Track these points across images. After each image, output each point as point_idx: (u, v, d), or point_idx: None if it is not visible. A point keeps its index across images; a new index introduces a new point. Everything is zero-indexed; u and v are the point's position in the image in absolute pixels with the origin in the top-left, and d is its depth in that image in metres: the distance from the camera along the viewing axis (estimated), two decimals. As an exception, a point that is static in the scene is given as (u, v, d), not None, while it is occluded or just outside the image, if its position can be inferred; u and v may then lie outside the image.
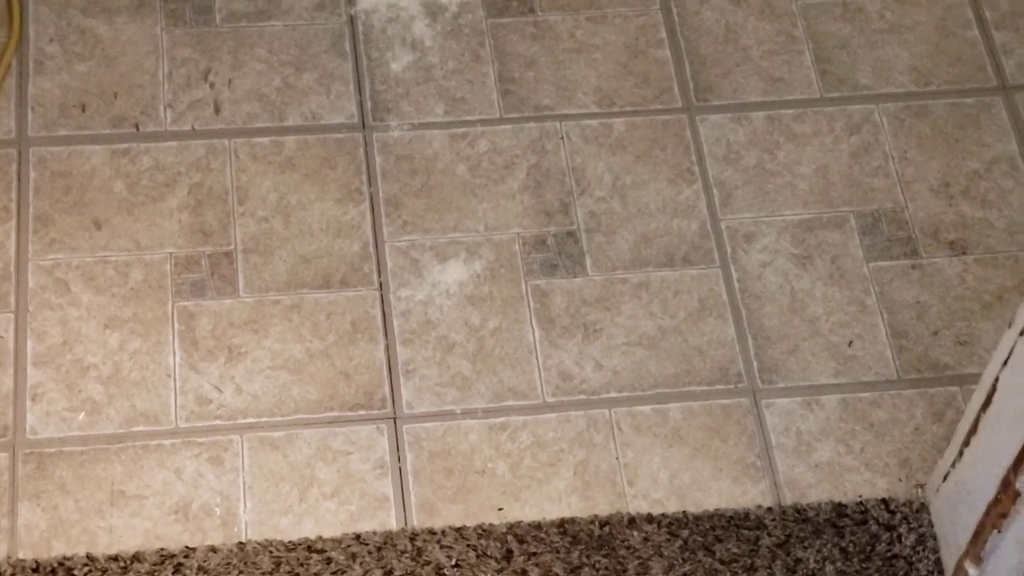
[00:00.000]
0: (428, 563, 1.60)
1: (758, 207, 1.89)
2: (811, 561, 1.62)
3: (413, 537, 1.62)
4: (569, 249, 1.84)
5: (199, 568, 1.58)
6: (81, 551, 1.60)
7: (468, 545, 1.61)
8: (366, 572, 1.59)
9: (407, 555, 1.60)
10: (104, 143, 1.87)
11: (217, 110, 1.90)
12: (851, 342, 1.80)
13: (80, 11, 1.96)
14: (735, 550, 1.63)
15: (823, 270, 1.85)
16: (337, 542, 1.62)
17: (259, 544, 1.61)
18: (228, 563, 1.59)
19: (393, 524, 1.64)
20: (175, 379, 1.73)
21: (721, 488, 1.69)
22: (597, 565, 1.61)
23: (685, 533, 1.64)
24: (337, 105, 1.92)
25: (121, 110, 1.89)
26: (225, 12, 1.97)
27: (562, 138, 1.92)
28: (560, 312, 1.80)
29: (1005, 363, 1.37)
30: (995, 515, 1.42)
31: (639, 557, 1.61)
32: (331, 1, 2.00)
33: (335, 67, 1.95)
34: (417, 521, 1.64)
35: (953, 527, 1.57)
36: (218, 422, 1.70)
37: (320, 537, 1.62)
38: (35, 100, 1.89)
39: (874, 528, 1.65)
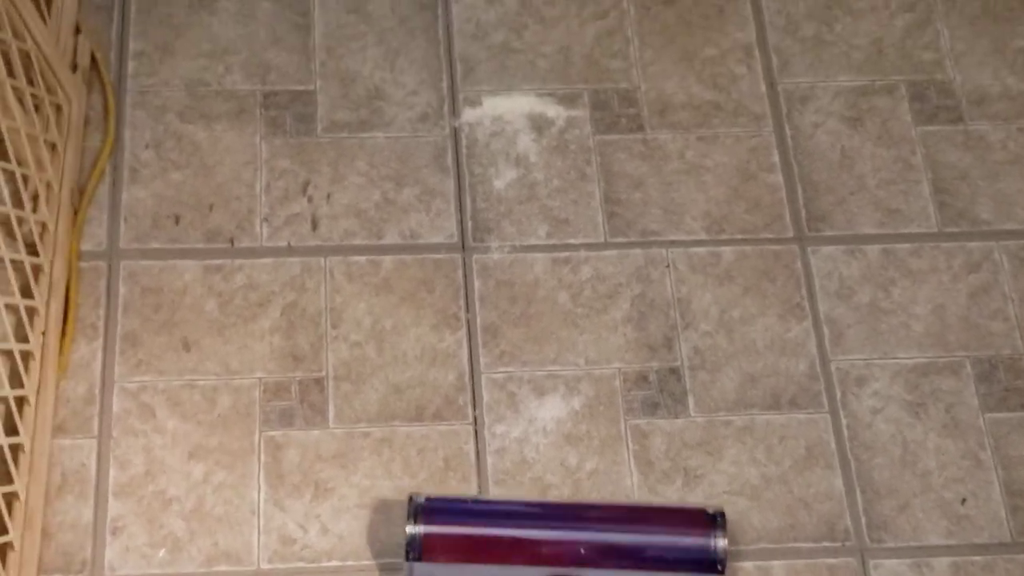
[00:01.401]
0: None
1: (871, 348, 1.81)
2: None
3: None
4: (671, 387, 1.77)
5: None
6: None
7: None
8: None
9: None
10: (197, 258, 1.82)
11: (314, 226, 1.85)
12: (964, 500, 1.71)
13: (178, 116, 1.90)
14: None
15: (937, 419, 1.76)
16: None
17: None
18: None
19: None
20: (259, 516, 1.67)
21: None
22: None
23: None
24: (437, 223, 1.86)
25: (216, 223, 1.84)
26: (327, 122, 1.91)
27: (668, 266, 1.85)
28: (659, 455, 1.73)
29: None
30: None
31: None
32: (434, 112, 1.93)
33: (436, 182, 1.89)
34: None
35: None
36: (301, 564, 1.65)
37: None
38: (128, 210, 1.85)
39: None
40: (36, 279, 1.72)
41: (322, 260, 1.82)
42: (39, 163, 1.75)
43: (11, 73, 1.68)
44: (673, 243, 1.85)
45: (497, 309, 1.80)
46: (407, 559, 1.55)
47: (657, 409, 1.76)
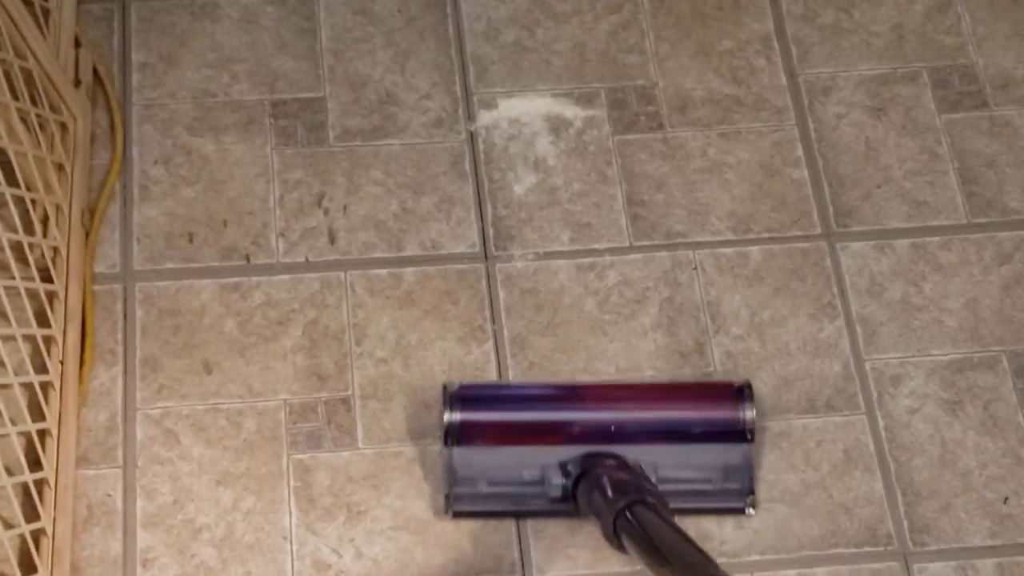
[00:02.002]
0: None
1: (904, 346, 1.78)
2: None
3: None
4: (705, 394, 1.73)
5: None
6: None
7: None
8: None
9: None
10: (214, 276, 1.78)
11: (332, 239, 1.80)
12: (1007, 499, 1.68)
13: (186, 129, 1.86)
14: None
15: (975, 417, 1.73)
16: None
17: None
18: None
19: None
20: (291, 542, 1.64)
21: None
22: None
23: None
24: (458, 232, 1.82)
25: (231, 240, 1.79)
26: (339, 129, 1.87)
27: (695, 268, 1.81)
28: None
29: None
30: None
31: None
32: (449, 116, 1.89)
33: (455, 190, 1.84)
34: None
35: None
36: (339, 591, 1.61)
37: None
38: (140, 229, 1.80)
39: None
40: (51, 306, 1.67)
41: (342, 275, 1.78)
42: (47, 185, 1.70)
43: (14, 94, 1.63)
44: (699, 244, 1.82)
45: (523, 319, 1.77)
46: (445, 444, 1.61)
47: (691, 417, 1.72)
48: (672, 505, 1.47)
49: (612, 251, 1.82)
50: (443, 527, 1.65)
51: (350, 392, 1.71)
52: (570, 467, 1.59)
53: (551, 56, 1.92)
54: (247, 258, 1.78)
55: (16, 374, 1.57)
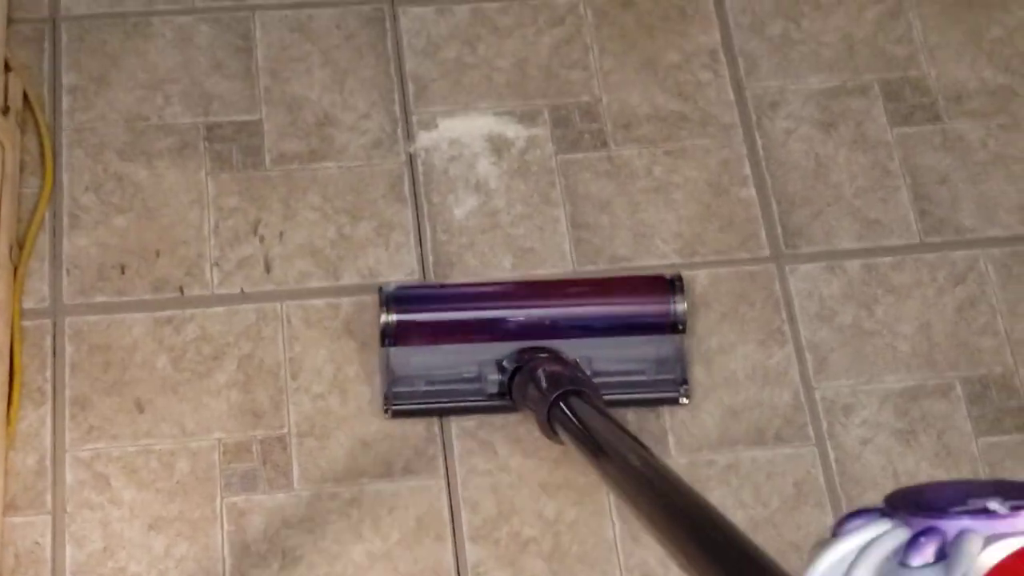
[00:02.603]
0: None
1: (856, 373, 1.73)
2: None
3: None
4: (650, 426, 1.69)
5: None
6: None
7: None
8: None
9: None
10: (146, 310, 1.73)
11: (268, 268, 1.75)
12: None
13: (117, 154, 1.81)
14: None
15: (929, 447, 1.69)
16: None
17: None
18: None
19: None
20: (227, 589, 1.59)
21: None
22: None
23: None
24: (396, 259, 1.77)
25: (164, 271, 1.75)
26: (275, 153, 1.82)
27: (641, 294, 1.76)
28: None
29: None
30: None
31: None
32: (388, 137, 1.84)
33: (393, 214, 1.80)
34: None
35: None
36: (274, 641, 1.57)
37: None
38: (70, 261, 1.75)
39: None
40: (-24, 348, 1.62)
41: (278, 306, 1.74)
42: (-28, 221, 1.65)
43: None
44: (643, 268, 1.76)
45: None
46: (382, 345, 1.63)
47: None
48: (608, 397, 1.53)
49: (551, 274, 1.76)
50: (380, 571, 1.60)
51: (286, 430, 1.67)
52: (506, 363, 1.61)
53: (493, 72, 1.87)
54: (181, 290, 1.73)
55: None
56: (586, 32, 1.92)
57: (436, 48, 1.90)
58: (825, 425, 1.71)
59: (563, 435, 1.43)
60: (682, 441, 1.69)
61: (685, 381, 1.69)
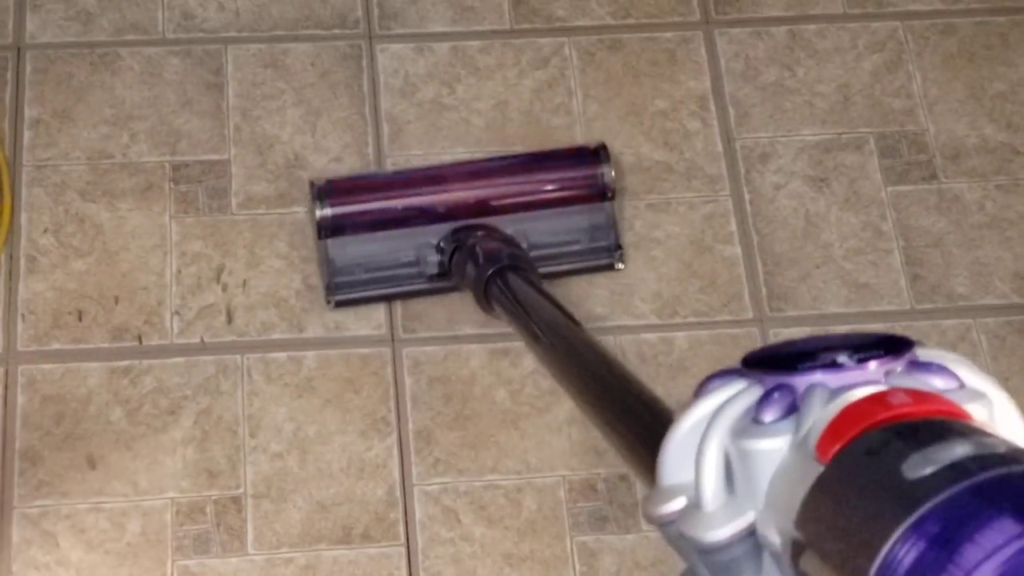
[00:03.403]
0: None
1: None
2: None
3: None
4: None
5: None
6: None
7: None
8: None
9: None
10: (103, 359, 1.66)
11: (230, 318, 1.69)
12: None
13: (79, 194, 1.74)
14: None
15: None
16: None
17: None
18: None
19: None
20: (173, 660, 1.53)
21: None
22: None
23: None
24: (362, 313, 1.70)
25: (123, 318, 1.68)
26: (242, 196, 1.75)
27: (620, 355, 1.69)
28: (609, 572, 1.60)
29: None
30: None
31: None
32: (359, 182, 1.76)
33: (362, 264, 1.72)
34: None
35: None
36: None
37: None
38: (26, 306, 1.68)
39: None
40: (-78, 400, 1.56)
41: (239, 358, 1.67)
42: (-77, 265, 1.58)
43: None
44: (620, 329, 1.70)
45: (431, 410, 1.65)
46: (319, 238, 1.65)
47: (606, 523, 1.61)
48: (546, 269, 1.62)
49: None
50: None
51: (242, 490, 1.61)
52: (443, 243, 1.64)
53: (471, 115, 1.80)
54: (139, 339, 1.67)
55: None
56: (571, 75, 1.84)
57: (414, 88, 1.83)
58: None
59: (498, 310, 1.46)
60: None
61: (619, 247, 1.72)
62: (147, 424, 1.64)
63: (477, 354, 1.69)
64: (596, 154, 1.69)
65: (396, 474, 1.63)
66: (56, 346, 1.67)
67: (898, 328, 1.72)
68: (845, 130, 1.83)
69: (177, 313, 1.69)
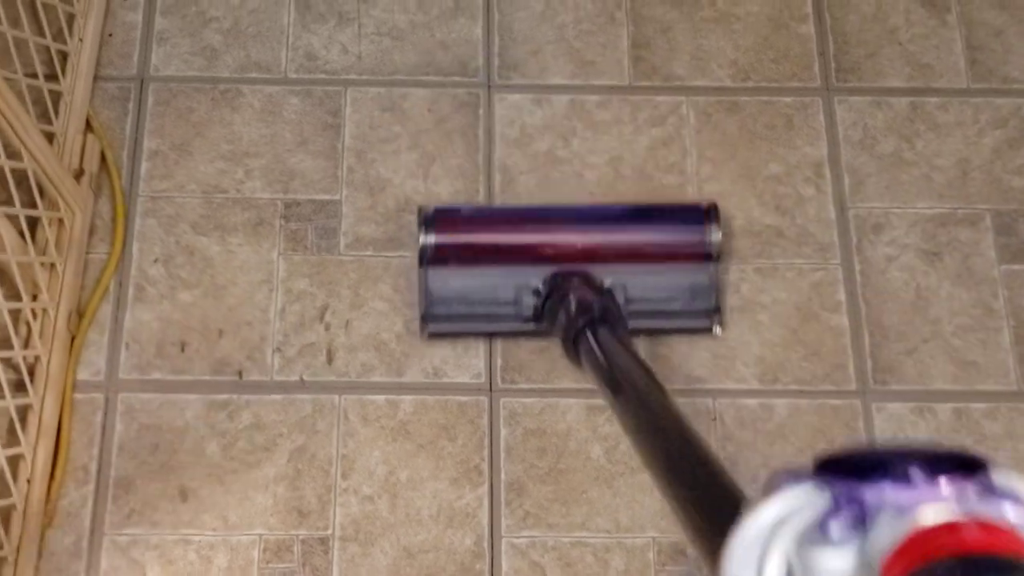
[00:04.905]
0: None
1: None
2: None
3: None
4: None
5: None
6: None
7: None
8: None
9: None
10: (202, 391, 1.68)
11: (330, 358, 1.69)
12: None
13: (191, 226, 1.75)
14: None
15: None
16: None
17: None
18: None
19: None
20: None
21: None
22: None
23: None
24: (463, 361, 1.70)
25: (225, 352, 1.69)
26: (351, 237, 1.76)
27: (714, 419, 1.67)
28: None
29: None
30: None
31: None
32: (468, 230, 1.76)
33: (465, 312, 1.72)
34: None
35: None
36: None
37: None
38: (131, 334, 1.70)
39: None
40: (24, 421, 1.59)
41: (336, 399, 1.67)
42: (35, 288, 1.61)
43: (5, 197, 1.54)
44: (721, 392, 1.67)
45: (524, 462, 1.64)
46: (420, 265, 1.66)
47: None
48: (640, 325, 1.64)
49: (627, 393, 1.68)
50: None
51: (330, 532, 1.61)
52: (541, 287, 1.63)
53: (584, 169, 1.80)
54: (239, 373, 1.68)
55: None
56: (686, 134, 1.83)
57: (529, 139, 1.82)
58: None
59: (582, 362, 1.42)
60: None
61: (718, 310, 1.70)
62: (241, 459, 1.64)
63: (574, 409, 1.67)
64: (707, 213, 1.67)
65: (485, 524, 1.62)
66: (157, 376, 1.68)
67: (1003, 410, 1.68)
68: (961, 205, 1.79)
69: (279, 350, 1.70)
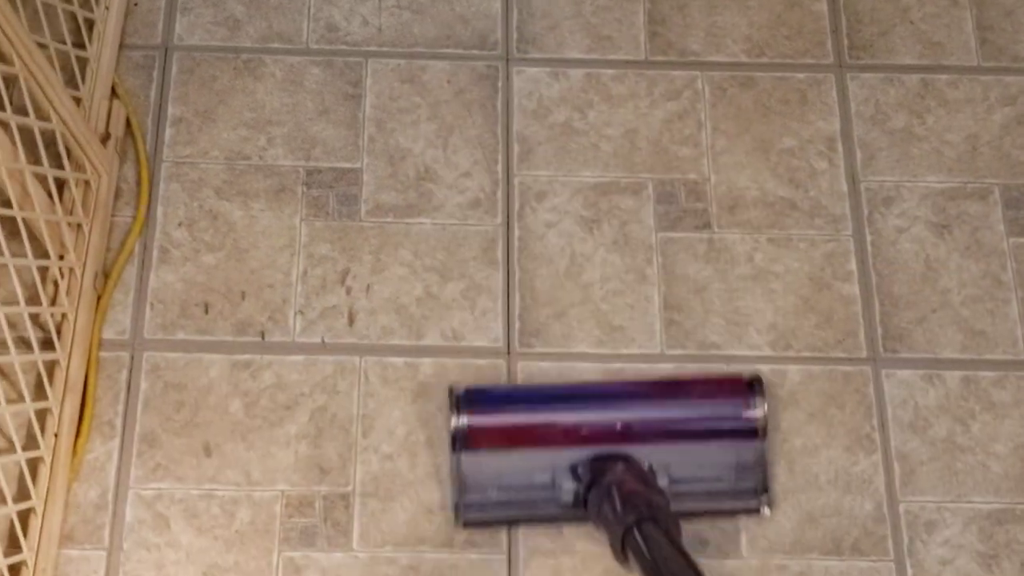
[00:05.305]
0: None
1: (944, 490, 1.67)
2: None
3: None
4: (723, 523, 1.63)
5: None
6: None
7: None
8: None
9: None
10: (225, 352, 1.71)
11: (351, 321, 1.72)
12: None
13: (215, 192, 1.79)
14: None
15: (1010, 572, 1.62)
16: None
17: None
18: None
19: None
20: (273, 647, 1.56)
21: None
22: None
23: None
24: (481, 324, 1.73)
25: (248, 313, 1.72)
26: (372, 204, 1.79)
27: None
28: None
29: None
30: None
31: None
32: (487, 198, 1.80)
33: (484, 277, 1.76)
34: None
35: None
36: None
37: None
38: (155, 295, 1.73)
39: None
40: (51, 376, 1.61)
41: (357, 360, 1.70)
42: (61, 248, 1.64)
43: (33, 157, 1.57)
44: (733, 358, 1.71)
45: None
46: (453, 450, 1.58)
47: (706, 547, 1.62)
48: (686, 506, 1.56)
49: (642, 357, 1.71)
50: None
51: (351, 488, 1.64)
52: (580, 470, 1.57)
53: (600, 141, 1.83)
54: (262, 335, 1.71)
55: (4, 452, 1.52)
56: (701, 108, 1.87)
57: (546, 111, 1.86)
58: (906, 540, 1.63)
59: (634, 564, 1.37)
60: (755, 542, 1.63)
61: (766, 489, 1.63)
62: (264, 417, 1.67)
63: (589, 373, 1.70)
64: (750, 387, 1.61)
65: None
66: (181, 336, 1.71)
67: (1011, 378, 1.72)
68: (971, 179, 1.83)
69: (301, 312, 1.73)
